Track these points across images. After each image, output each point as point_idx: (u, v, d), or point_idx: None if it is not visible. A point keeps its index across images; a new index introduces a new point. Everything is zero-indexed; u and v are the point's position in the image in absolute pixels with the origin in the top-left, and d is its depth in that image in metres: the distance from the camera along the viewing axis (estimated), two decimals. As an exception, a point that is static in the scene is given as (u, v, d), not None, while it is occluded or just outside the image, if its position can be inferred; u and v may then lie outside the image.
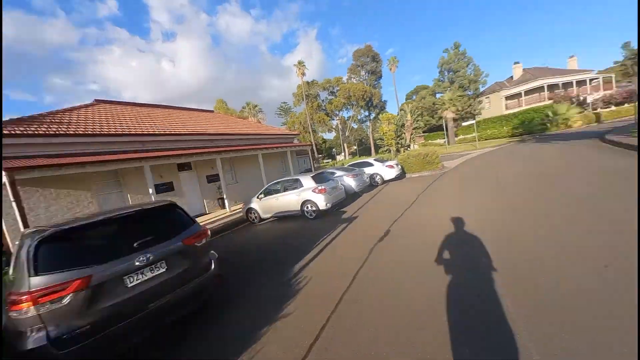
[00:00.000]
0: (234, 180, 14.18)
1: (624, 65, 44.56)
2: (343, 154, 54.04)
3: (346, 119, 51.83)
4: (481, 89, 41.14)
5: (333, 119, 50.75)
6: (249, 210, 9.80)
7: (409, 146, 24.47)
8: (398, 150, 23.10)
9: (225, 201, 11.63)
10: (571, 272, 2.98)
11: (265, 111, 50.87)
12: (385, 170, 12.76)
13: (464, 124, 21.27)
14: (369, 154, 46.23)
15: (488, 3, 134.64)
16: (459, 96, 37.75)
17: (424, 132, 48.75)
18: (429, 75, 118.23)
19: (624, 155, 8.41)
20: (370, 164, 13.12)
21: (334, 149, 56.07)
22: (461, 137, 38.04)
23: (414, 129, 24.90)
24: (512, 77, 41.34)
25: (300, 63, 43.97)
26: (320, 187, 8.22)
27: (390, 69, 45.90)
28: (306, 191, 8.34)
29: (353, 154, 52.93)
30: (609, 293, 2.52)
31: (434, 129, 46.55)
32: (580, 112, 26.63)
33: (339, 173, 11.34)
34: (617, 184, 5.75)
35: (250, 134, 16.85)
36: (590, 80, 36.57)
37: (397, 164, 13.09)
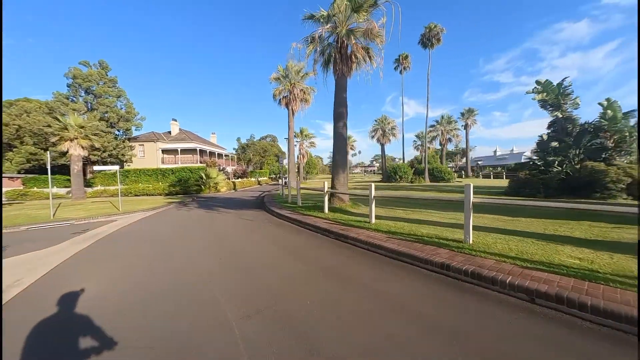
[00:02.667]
0: None
1: (239, 151, 64.63)
2: None
3: None
4: (135, 133, 33.66)
5: None
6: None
7: None
8: None
9: None
10: None
11: None
12: None
13: (105, 168, 12.50)
14: None
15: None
16: (103, 131, 26.77)
17: (25, 171, 28.25)
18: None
19: (296, 230, 5.95)
20: None
21: None
22: (99, 187, 26.04)
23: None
24: (170, 132, 39.59)
25: None
26: None
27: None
28: None
29: None
30: None
31: (46, 170, 28.35)
32: (225, 179, 29.78)
33: None
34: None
35: None
36: (225, 155, 46.20)
37: None
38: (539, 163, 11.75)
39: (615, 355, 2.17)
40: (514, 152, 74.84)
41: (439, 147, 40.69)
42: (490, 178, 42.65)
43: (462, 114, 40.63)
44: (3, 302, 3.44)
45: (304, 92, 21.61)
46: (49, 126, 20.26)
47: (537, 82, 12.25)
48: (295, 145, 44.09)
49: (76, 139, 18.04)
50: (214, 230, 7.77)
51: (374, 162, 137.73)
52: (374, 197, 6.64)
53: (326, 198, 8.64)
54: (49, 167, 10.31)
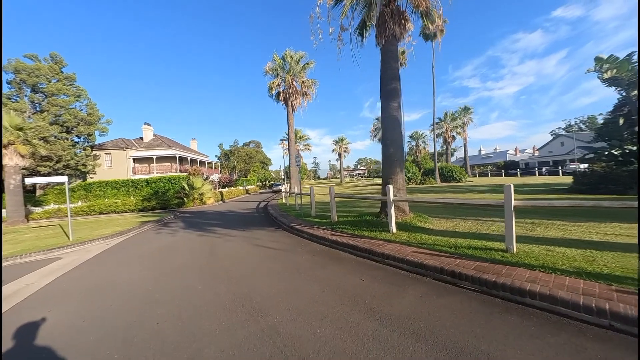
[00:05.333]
0: None
1: (222, 158, 60.06)
2: None
3: None
4: (100, 139, 28.74)
5: None
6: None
7: None
8: None
9: None
10: None
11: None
12: None
13: (44, 180, 8.88)
14: None
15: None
16: (55, 137, 22.04)
17: None
18: None
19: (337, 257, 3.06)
20: None
21: None
22: (52, 206, 21.15)
23: None
24: (142, 138, 34.76)
25: None
26: None
27: None
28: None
29: None
30: None
31: None
32: (211, 189, 25.85)
33: None
34: None
35: None
36: (209, 163, 41.77)
37: None
38: (616, 153, 9.73)
39: None
40: (498, 150, 77.04)
41: (443, 146, 39.32)
42: (487, 176, 42.02)
43: (459, 112, 39.87)
44: None
45: (305, 85, 18.71)
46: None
47: (598, 59, 10.42)
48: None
49: (12, 144, 13.68)
50: (225, 275, 4.52)
51: (359, 166, 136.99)
52: (513, 206, 3.85)
53: (392, 210, 5.72)
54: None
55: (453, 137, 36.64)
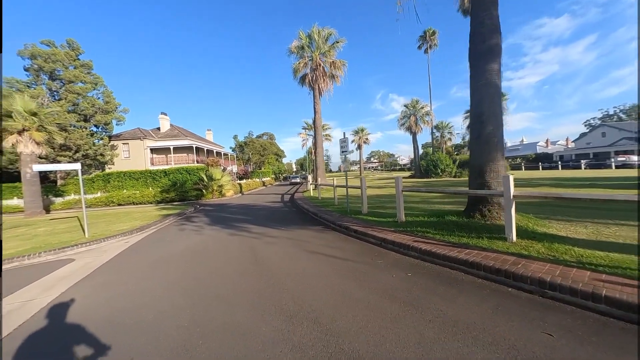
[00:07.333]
0: None
1: (237, 150, 59.45)
2: None
3: None
4: (117, 129, 28.19)
5: None
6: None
7: None
8: None
9: None
10: None
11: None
12: None
13: (55, 167, 7.93)
14: None
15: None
16: (73, 126, 21.45)
17: None
18: None
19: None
20: None
21: None
22: (72, 197, 20.71)
23: None
24: (159, 128, 34.12)
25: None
26: None
27: None
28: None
29: None
30: None
31: (3, 177, 23.06)
32: (230, 180, 24.79)
33: None
34: None
35: None
36: (225, 154, 40.91)
37: None
38: None
39: None
40: (525, 142, 72.05)
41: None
42: (521, 169, 38.79)
43: None
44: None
45: (335, 66, 16.84)
46: None
47: None
48: (308, 137, 39.30)
49: (26, 130, 12.79)
50: (291, 304, 3.01)
51: (371, 159, 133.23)
52: None
53: (513, 210, 4.02)
54: None
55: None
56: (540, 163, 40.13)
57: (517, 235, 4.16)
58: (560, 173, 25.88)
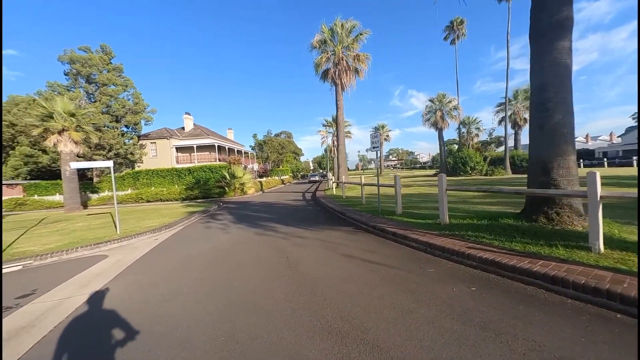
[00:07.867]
0: None
1: (256, 148, 60.33)
2: None
3: None
4: (145, 129, 29.46)
5: None
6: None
7: None
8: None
9: None
10: None
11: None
12: None
13: (89, 164, 8.19)
14: None
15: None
16: (107, 126, 22.58)
17: (30, 176, 24.86)
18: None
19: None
20: None
21: None
22: (107, 193, 21.90)
23: None
24: (183, 127, 35.29)
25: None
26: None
27: None
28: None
29: None
30: None
31: (50, 174, 24.90)
32: (252, 179, 25.01)
33: None
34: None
35: None
36: (245, 152, 41.59)
37: None
38: None
39: None
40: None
41: (511, 132, 33.61)
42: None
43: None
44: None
45: (359, 60, 16.19)
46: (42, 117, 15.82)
47: None
48: (328, 135, 38.84)
49: (66, 130, 13.49)
50: (340, 322, 2.57)
51: (390, 157, 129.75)
52: None
53: (600, 212, 3.30)
54: None
55: (525, 119, 30.74)
56: (581, 160, 36.52)
57: (606, 245, 3.42)
58: (610, 171, 23.32)
